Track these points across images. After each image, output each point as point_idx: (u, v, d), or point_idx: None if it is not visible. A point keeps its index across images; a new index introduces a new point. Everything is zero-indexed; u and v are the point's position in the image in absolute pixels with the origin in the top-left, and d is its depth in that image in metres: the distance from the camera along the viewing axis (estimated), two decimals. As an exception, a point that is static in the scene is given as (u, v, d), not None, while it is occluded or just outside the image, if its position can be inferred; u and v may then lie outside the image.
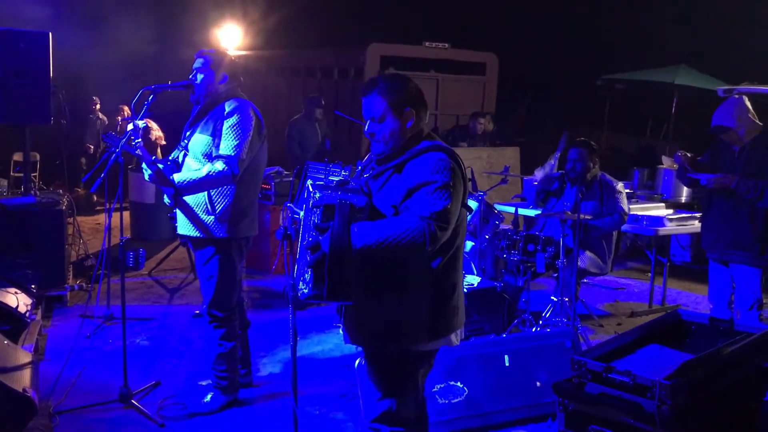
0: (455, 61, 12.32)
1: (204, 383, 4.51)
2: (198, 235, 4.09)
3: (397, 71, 11.40)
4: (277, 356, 5.16)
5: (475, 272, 6.05)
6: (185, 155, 4.11)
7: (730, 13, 13.17)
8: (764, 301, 4.98)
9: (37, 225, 6.00)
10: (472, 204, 5.71)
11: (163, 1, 11.21)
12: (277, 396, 4.52)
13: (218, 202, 4.04)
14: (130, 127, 4.01)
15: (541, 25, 16.13)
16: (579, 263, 5.51)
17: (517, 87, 14.38)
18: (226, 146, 3.95)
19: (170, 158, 4.19)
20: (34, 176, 10.83)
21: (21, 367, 3.87)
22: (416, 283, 2.68)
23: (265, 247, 7.42)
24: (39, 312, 5.39)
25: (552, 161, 8.86)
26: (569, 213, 5.32)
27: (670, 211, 7.24)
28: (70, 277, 6.63)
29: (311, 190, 2.68)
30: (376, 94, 2.74)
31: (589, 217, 5.45)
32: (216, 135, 3.99)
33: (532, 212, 6.38)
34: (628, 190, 7.00)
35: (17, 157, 11.18)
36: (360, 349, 2.95)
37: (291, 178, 7.76)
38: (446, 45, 12.05)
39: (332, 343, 5.50)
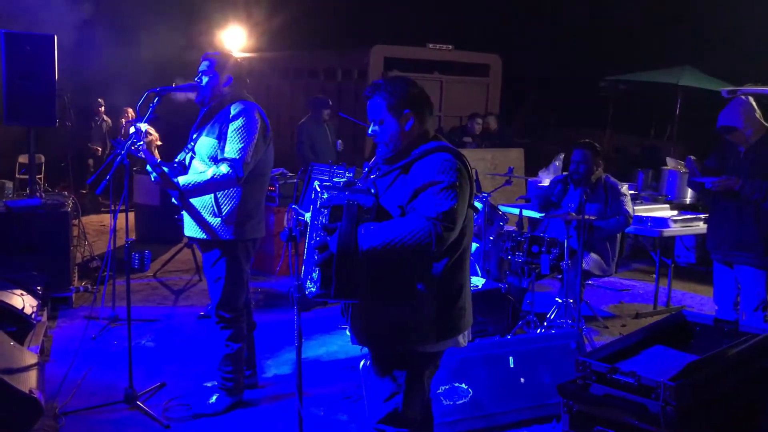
0: (459, 63, 12.34)
1: (209, 384, 4.52)
2: (205, 237, 4.11)
3: (401, 73, 11.43)
4: (282, 358, 5.17)
5: (480, 273, 6.06)
6: (192, 158, 4.13)
7: (733, 13, 13.15)
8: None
9: (42, 227, 6.02)
10: (477, 205, 5.71)
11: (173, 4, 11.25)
12: (282, 397, 4.53)
13: (224, 204, 4.05)
14: (132, 130, 4.02)
15: (544, 26, 16.14)
16: (583, 265, 5.51)
17: (520, 88, 14.38)
18: (231, 149, 3.96)
19: (177, 161, 4.20)
20: (40, 178, 10.87)
21: (27, 369, 3.89)
22: (422, 284, 2.69)
23: (269, 248, 7.43)
24: (44, 313, 5.41)
25: (556, 162, 8.87)
26: (573, 214, 5.32)
27: (675, 212, 7.23)
28: (76, 278, 6.65)
29: (318, 190, 2.70)
30: (377, 96, 2.79)
31: (593, 218, 5.45)
32: (221, 138, 4.00)
33: (536, 214, 6.38)
34: (632, 192, 6.99)
35: (22, 159, 11.22)
36: (366, 350, 2.96)
37: (295, 180, 7.77)
38: (450, 47, 12.07)
39: (337, 344, 5.51)
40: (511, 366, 4.21)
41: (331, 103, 8.87)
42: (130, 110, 11.53)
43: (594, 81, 13.38)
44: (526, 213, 6.57)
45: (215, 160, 4.01)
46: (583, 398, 3.41)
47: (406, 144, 2.78)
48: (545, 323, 5.58)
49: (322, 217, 2.62)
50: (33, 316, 4.92)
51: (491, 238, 6.21)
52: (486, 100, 12.36)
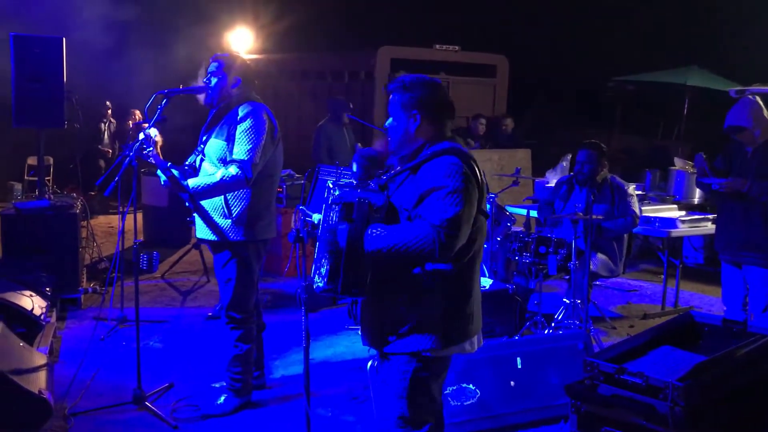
0: (465, 64, 12.33)
1: (217, 385, 4.53)
2: (216, 238, 4.13)
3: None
4: (290, 358, 5.18)
5: (487, 274, 6.06)
6: (202, 160, 4.15)
7: (741, 12, 13.11)
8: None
9: (51, 228, 6.05)
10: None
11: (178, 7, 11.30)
12: (290, 398, 4.54)
13: (234, 206, 4.07)
14: (141, 136, 4.04)
15: (551, 27, 16.11)
16: (591, 266, 5.50)
17: (527, 89, 14.36)
18: (240, 151, 3.97)
19: (187, 163, 4.23)
20: (48, 180, 10.93)
21: (36, 369, 3.91)
22: (430, 289, 2.67)
23: (277, 249, 7.45)
24: (53, 314, 5.43)
25: (563, 163, 8.87)
26: (581, 214, 5.31)
27: (683, 212, 7.21)
28: (84, 279, 6.68)
29: (331, 187, 2.72)
30: (395, 92, 2.79)
31: (600, 218, 5.44)
32: (230, 140, 4.01)
33: (543, 215, 6.37)
34: (639, 192, 6.98)
35: (31, 160, 11.28)
36: (373, 351, 2.96)
37: (302, 181, 7.78)
38: (456, 48, 12.07)
39: (344, 345, 5.51)
40: (519, 367, 4.21)
41: (351, 105, 8.68)
42: (138, 112, 11.58)
43: (601, 81, 13.36)
44: (534, 214, 6.56)
45: (224, 162, 4.02)
46: (590, 399, 3.41)
47: (412, 144, 2.77)
48: (553, 324, 5.58)
49: (333, 213, 2.65)
50: (42, 317, 4.95)
51: (498, 238, 6.21)
52: (493, 101, 12.35)
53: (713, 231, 5.38)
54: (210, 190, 3.99)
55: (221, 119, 4.10)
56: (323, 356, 5.27)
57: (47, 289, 5.46)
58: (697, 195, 8.54)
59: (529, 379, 4.21)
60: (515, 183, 6.71)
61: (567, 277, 5.71)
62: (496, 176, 8.53)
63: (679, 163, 8.89)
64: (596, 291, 6.92)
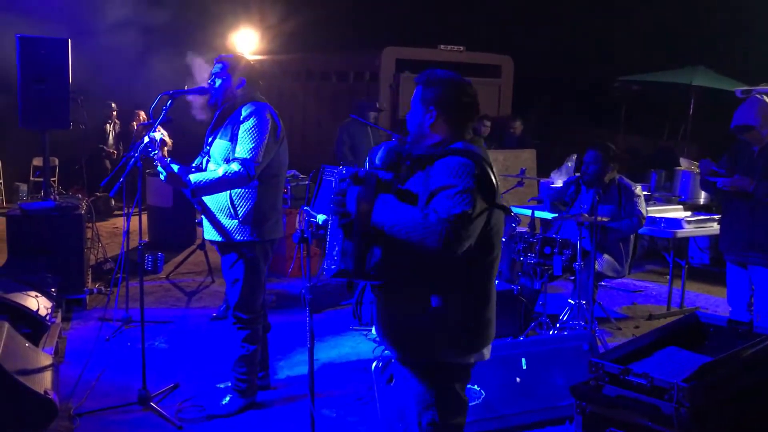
0: (470, 64, 12.32)
1: (222, 386, 4.53)
2: (223, 239, 4.14)
3: (413, 74, 11.44)
4: (294, 359, 5.18)
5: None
6: (208, 161, 4.16)
7: (746, 12, 13.07)
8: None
9: (56, 229, 6.06)
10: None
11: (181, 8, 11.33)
12: (295, 399, 4.54)
13: (240, 207, 4.07)
14: (146, 139, 4.05)
15: (556, 27, 16.09)
16: (596, 266, 5.49)
17: (532, 89, 14.34)
18: (242, 149, 3.98)
19: (194, 165, 4.24)
20: (53, 181, 10.97)
21: (42, 370, 3.92)
22: (446, 294, 2.61)
23: (281, 250, 7.45)
24: (59, 315, 5.45)
25: (568, 163, 8.85)
26: (586, 215, 5.30)
27: (688, 213, 7.20)
28: (89, 280, 6.70)
29: (339, 169, 2.68)
30: (419, 84, 2.77)
31: (606, 219, 5.43)
32: (234, 140, 4.02)
33: (548, 215, 6.36)
34: (645, 193, 6.96)
35: (37, 161, 11.34)
36: (378, 352, 2.94)
37: (307, 182, 7.79)
38: (461, 48, 12.06)
39: (348, 346, 5.51)
40: (524, 367, 4.20)
41: (378, 105, 8.70)
42: (142, 113, 11.61)
43: (606, 81, 13.33)
44: (539, 214, 6.54)
45: (228, 162, 4.03)
46: (596, 399, 3.40)
47: (427, 141, 2.74)
48: (558, 325, 5.57)
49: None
50: (47, 317, 4.96)
51: (503, 239, 6.19)
52: (498, 102, 12.34)
53: (719, 231, 5.36)
54: (212, 186, 3.99)
55: (225, 120, 4.11)
56: (328, 357, 5.27)
57: (52, 289, 5.48)
58: (703, 195, 8.53)
59: (534, 380, 4.20)
60: (520, 183, 6.69)
61: (572, 277, 5.69)
62: (501, 177, 8.50)
63: (684, 164, 8.88)
64: (601, 292, 6.92)
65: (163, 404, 4.34)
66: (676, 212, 7.17)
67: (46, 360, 4.09)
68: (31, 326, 4.78)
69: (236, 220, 4.09)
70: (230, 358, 4.32)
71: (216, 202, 4.10)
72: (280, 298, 6.80)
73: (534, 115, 15.03)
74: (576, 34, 15.79)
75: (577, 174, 6.12)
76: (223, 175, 3.95)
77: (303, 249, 3.03)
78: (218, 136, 4.11)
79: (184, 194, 4.13)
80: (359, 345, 5.50)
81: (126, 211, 5.79)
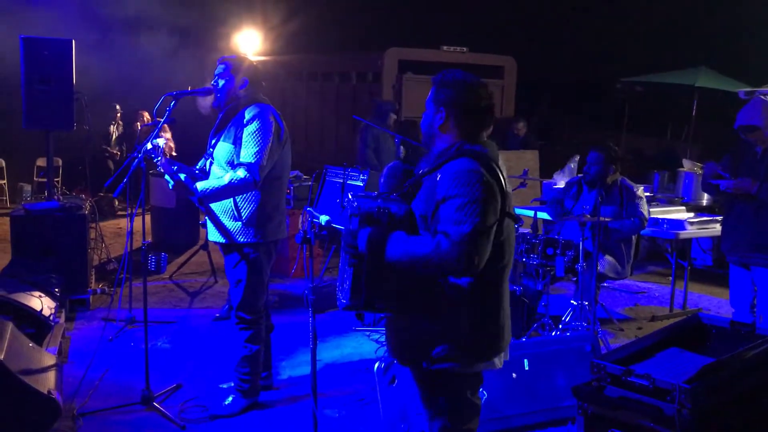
0: (473, 65, 12.30)
1: (225, 386, 4.54)
2: (226, 240, 4.15)
3: (415, 75, 11.45)
4: (297, 359, 5.19)
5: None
6: (211, 163, 4.17)
7: (750, 13, 13.05)
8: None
9: (60, 229, 6.07)
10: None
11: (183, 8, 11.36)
12: (297, 399, 4.55)
13: (244, 208, 4.09)
14: (149, 146, 4.06)
15: (559, 27, 16.09)
16: (598, 267, 5.49)
17: (535, 90, 14.34)
18: (247, 154, 3.99)
19: (198, 167, 4.25)
20: (57, 181, 10.99)
21: (45, 370, 3.93)
22: (454, 304, 2.58)
23: (284, 250, 7.46)
24: (62, 315, 5.46)
25: (571, 164, 8.85)
26: (588, 216, 5.30)
27: (691, 214, 7.19)
28: (93, 280, 6.71)
29: (351, 199, 2.65)
30: (433, 84, 2.74)
31: (608, 220, 5.43)
32: (237, 143, 4.03)
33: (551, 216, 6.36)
34: (648, 194, 6.96)
35: (41, 162, 11.35)
36: (380, 353, 2.94)
37: (310, 182, 7.80)
38: (464, 49, 12.06)
39: (351, 346, 5.52)
40: (526, 368, 4.21)
41: (397, 107, 8.66)
42: (146, 113, 11.62)
43: (610, 82, 13.33)
44: (541, 215, 6.55)
45: (232, 165, 4.04)
46: (598, 401, 3.40)
47: (438, 142, 2.71)
48: (560, 326, 5.57)
49: (353, 224, 2.58)
50: (51, 317, 4.97)
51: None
52: (501, 103, 12.34)
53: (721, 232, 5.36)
54: (218, 193, 4.01)
55: (228, 122, 4.12)
56: (330, 357, 5.28)
57: (56, 290, 5.49)
58: (706, 197, 8.52)
59: (536, 381, 4.21)
60: (523, 184, 6.69)
61: (574, 278, 5.70)
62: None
63: (687, 165, 8.87)
64: (604, 293, 6.92)
65: (166, 404, 4.36)
66: (679, 213, 7.17)
67: (49, 360, 4.11)
68: (35, 326, 4.79)
69: (240, 222, 4.10)
70: (233, 359, 4.33)
71: (220, 204, 4.11)
72: (282, 298, 6.81)
73: (536, 116, 15.04)
74: (579, 35, 15.80)
75: (580, 175, 6.12)
76: (230, 182, 3.97)
77: (306, 250, 3.04)
78: (221, 139, 4.12)
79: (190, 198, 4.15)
80: (362, 345, 5.51)
81: (129, 212, 5.81)
